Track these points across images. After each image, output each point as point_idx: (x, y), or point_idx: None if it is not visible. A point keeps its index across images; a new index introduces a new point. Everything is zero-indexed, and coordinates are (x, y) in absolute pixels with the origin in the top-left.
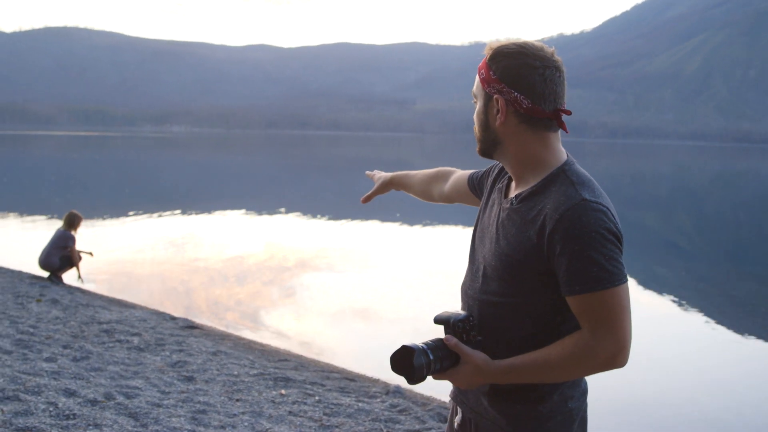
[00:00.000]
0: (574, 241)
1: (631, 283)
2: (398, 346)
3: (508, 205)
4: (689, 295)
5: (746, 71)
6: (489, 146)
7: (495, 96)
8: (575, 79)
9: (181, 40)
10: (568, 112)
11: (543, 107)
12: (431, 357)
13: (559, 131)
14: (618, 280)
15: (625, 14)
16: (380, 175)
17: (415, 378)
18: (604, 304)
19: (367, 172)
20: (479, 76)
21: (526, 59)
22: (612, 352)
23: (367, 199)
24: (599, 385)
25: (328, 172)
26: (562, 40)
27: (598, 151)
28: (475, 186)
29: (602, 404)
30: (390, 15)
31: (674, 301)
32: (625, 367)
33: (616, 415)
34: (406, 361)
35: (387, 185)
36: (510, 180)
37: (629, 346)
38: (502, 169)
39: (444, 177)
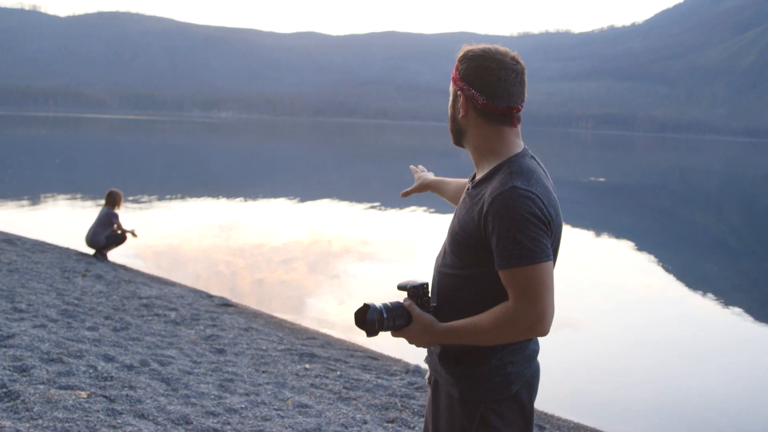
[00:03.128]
0: (501, 222)
1: (678, 281)
2: (360, 307)
3: (466, 191)
4: (736, 294)
5: None
6: (456, 135)
7: (459, 93)
8: (625, 72)
9: (231, 26)
10: (519, 109)
11: (496, 104)
12: (384, 315)
13: (519, 126)
14: (539, 258)
15: (678, 6)
16: (421, 174)
17: (368, 331)
18: (525, 278)
19: (411, 166)
20: (453, 76)
21: (484, 62)
22: (531, 321)
23: (407, 194)
24: (650, 378)
25: (375, 161)
26: (612, 32)
27: (647, 145)
28: None
29: (650, 397)
30: (439, 4)
31: (720, 299)
32: (548, 335)
33: (663, 409)
34: (363, 316)
35: (425, 186)
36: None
37: (549, 318)
38: None
39: None
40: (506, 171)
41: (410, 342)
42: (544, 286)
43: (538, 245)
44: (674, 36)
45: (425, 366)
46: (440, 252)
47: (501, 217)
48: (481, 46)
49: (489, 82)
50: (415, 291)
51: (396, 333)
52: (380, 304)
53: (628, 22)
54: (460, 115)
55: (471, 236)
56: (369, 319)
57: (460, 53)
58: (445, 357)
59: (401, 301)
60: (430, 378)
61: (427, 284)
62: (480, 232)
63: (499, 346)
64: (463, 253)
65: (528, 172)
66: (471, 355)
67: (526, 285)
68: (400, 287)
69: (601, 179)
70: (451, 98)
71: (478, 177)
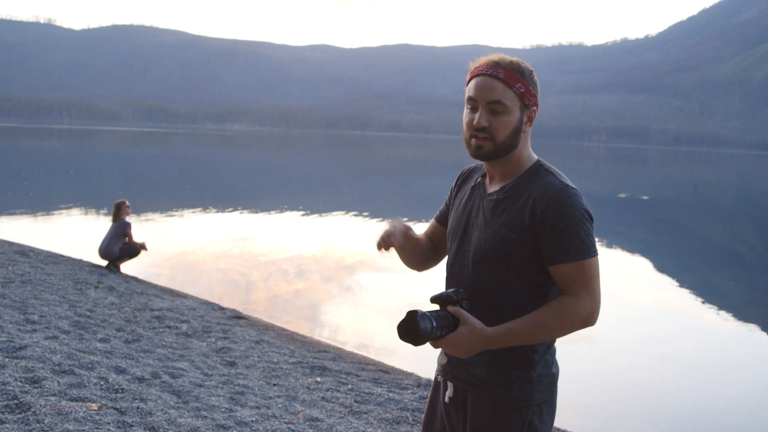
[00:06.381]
0: (561, 220)
1: (693, 295)
2: (404, 314)
3: (494, 197)
4: (751, 308)
5: None
6: (507, 150)
7: (533, 107)
8: (639, 84)
9: (244, 39)
10: None
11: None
12: (434, 324)
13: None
14: (594, 252)
15: (692, 18)
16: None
17: (419, 340)
18: (584, 271)
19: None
20: (516, 89)
21: (533, 72)
22: (590, 311)
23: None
24: (664, 390)
25: (387, 174)
26: (626, 45)
27: (661, 158)
28: (446, 216)
29: (662, 411)
30: (451, 17)
31: (734, 313)
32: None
33: (675, 423)
34: (413, 325)
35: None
36: (483, 177)
37: (600, 307)
38: (464, 176)
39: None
40: (545, 173)
41: (454, 350)
42: (598, 277)
43: (592, 239)
44: (688, 49)
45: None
46: (460, 263)
47: (561, 215)
48: (507, 56)
49: (538, 91)
50: (455, 297)
51: (439, 342)
52: (427, 311)
53: (641, 35)
54: (523, 130)
55: (520, 238)
56: (422, 327)
57: (521, 66)
58: (495, 364)
59: (438, 309)
60: (457, 392)
61: (461, 290)
62: (532, 232)
63: (543, 347)
64: (508, 257)
65: (562, 173)
66: (522, 359)
67: (587, 277)
68: (437, 298)
69: (622, 195)
70: (516, 113)
71: (503, 183)
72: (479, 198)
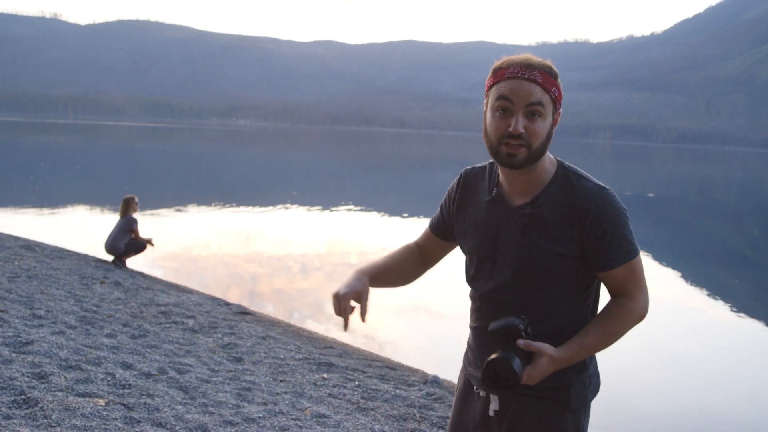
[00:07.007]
0: (609, 225)
1: (698, 293)
2: (485, 366)
3: (527, 210)
4: (756, 306)
5: None
6: (540, 156)
7: (559, 110)
8: (644, 82)
9: (249, 35)
10: None
11: None
12: (520, 362)
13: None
14: (638, 249)
15: (697, 16)
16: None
17: (517, 385)
18: (634, 271)
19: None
20: (551, 93)
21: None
22: (645, 307)
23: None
24: (668, 388)
25: (392, 170)
26: (631, 42)
27: (666, 155)
28: (443, 227)
29: (667, 410)
30: (457, 13)
31: (740, 311)
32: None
33: (678, 421)
34: (507, 372)
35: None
36: (499, 188)
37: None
38: (466, 186)
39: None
40: (577, 177)
41: (530, 380)
42: (643, 272)
43: (634, 237)
44: (693, 46)
45: (445, 377)
46: (494, 282)
47: (608, 221)
48: (535, 57)
49: None
50: (522, 326)
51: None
52: (506, 352)
53: (647, 32)
54: (552, 132)
55: (568, 250)
56: (519, 371)
57: (552, 68)
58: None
59: (497, 346)
60: (503, 405)
61: (523, 315)
62: (579, 241)
63: None
64: (557, 270)
65: (588, 174)
66: (578, 363)
67: (637, 276)
68: (500, 327)
69: (628, 193)
70: (550, 118)
71: (531, 194)
72: (504, 212)
